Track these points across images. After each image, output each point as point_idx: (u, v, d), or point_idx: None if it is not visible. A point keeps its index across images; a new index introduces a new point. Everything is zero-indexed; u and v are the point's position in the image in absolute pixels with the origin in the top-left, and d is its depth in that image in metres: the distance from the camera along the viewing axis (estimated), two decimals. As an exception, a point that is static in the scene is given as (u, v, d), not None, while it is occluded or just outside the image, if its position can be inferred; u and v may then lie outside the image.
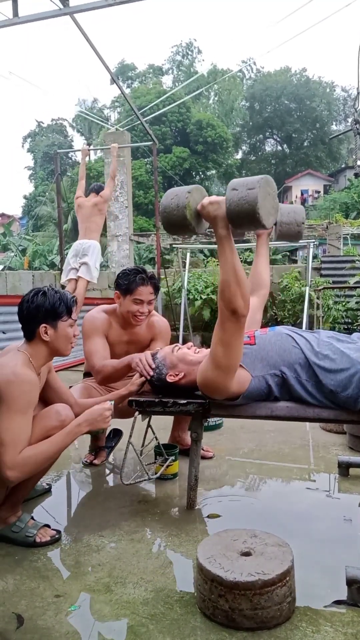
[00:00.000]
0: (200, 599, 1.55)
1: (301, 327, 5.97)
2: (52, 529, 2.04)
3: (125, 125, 10.29)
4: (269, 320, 6.70)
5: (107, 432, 2.93)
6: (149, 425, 2.39)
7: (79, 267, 5.48)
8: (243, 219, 1.73)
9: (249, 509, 2.25)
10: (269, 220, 1.76)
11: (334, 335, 2.07)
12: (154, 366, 2.20)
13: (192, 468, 2.23)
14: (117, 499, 2.38)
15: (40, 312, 1.98)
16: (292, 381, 1.96)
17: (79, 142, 39.09)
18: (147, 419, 2.33)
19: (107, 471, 2.79)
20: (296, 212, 2.54)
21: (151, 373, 2.19)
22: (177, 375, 2.18)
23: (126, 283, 2.58)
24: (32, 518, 2.06)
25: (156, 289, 2.62)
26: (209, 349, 2.23)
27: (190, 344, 2.26)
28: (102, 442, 2.87)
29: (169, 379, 2.18)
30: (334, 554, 1.87)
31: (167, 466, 2.53)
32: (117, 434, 3.02)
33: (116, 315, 2.68)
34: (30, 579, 1.76)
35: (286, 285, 6.65)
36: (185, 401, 2.14)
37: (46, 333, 1.98)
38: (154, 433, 2.48)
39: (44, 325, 1.98)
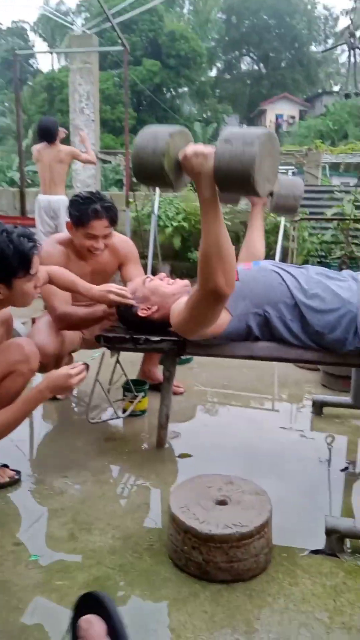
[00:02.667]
0: (172, 549, 1.46)
1: (274, 260, 5.81)
2: (11, 470, 1.90)
3: (92, 29, 9.38)
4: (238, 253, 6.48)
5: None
6: (117, 362, 2.22)
7: (55, 228, 5.11)
8: (233, 181, 1.41)
9: (221, 449, 2.16)
10: (265, 187, 1.43)
11: (323, 271, 1.90)
12: (130, 295, 2.00)
13: (164, 407, 2.10)
14: (83, 436, 2.25)
15: None
16: (275, 321, 1.80)
17: (41, 47, 36.14)
18: (116, 355, 2.16)
19: (72, 406, 2.65)
20: (295, 185, 2.38)
21: (131, 302, 2.02)
22: (149, 309, 1.99)
23: (77, 215, 2.27)
24: (-10, 458, 1.91)
25: (113, 222, 2.32)
26: (184, 281, 2.04)
27: (163, 274, 2.06)
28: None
29: (141, 314, 1.99)
30: (310, 498, 1.80)
31: (136, 403, 2.39)
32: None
33: (73, 245, 2.40)
34: (-13, 525, 1.63)
35: (260, 214, 6.41)
36: (158, 338, 1.97)
37: None
38: (122, 370, 2.33)
39: None
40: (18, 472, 1.90)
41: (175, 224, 6.47)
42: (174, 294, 1.96)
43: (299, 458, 2.09)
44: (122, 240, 2.54)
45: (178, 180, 1.54)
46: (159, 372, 2.77)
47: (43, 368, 2.31)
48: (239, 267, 1.89)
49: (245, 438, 2.27)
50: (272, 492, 1.58)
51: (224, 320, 1.78)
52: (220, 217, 1.52)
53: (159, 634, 1.21)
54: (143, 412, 2.47)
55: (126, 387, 2.40)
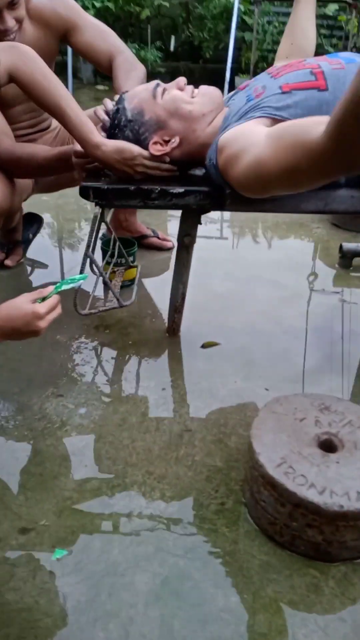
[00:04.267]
0: (264, 518, 1.00)
1: (225, 55, 4.75)
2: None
3: None
4: (181, 45, 5.27)
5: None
6: (102, 222, 1.51)
7: None
8: None
9: (249, 329, 1.66)
10: None
11: None
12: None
13: (179, 284, 1.51)
14: (62, 325, 1.63)
15: None
16: None
17: None
18: (99, 213, 1.42)
19: (31, 278, 1.97)
20: None
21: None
22: (166, 142, 1.25)
23: None
24: None
25: None
26: (211, 88, 1.28)
27: (181, 80, 1.26)
28: (19, 234, 1.96)
29: (154, 151, 1.25)
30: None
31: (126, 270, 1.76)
32: (34, 220, 2.10)
33: None
34: (-33, 499, 1.08)
35: (206, -7, 5.08)
36: (182, 190, 1.27)
37: None
38: (110, 229, 1.63)
39: None
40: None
41: (98, 4, 5.02)
42: (204, 113, 1.22)
43: (354, 334, 1.64)
44: None
45: None
46: (138, 222, 2.10)
47: None
48: (322, 65, 1.15)
49: (273, 309, 1.76)
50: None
51: None
52: None
53: None
54: (132, 281, 1.85)
55: (114, 252, 1.72)
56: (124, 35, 5.33)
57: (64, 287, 1.12)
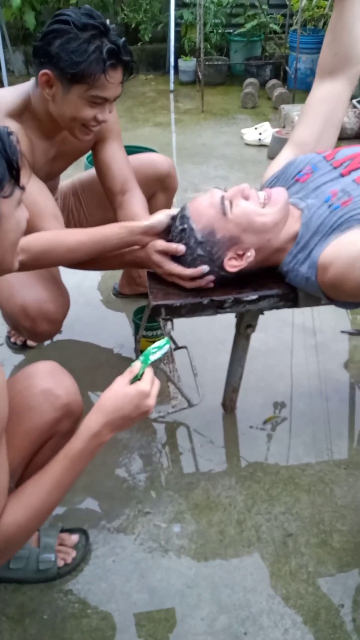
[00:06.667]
0: None
1: (164, 35, 4.53)
2: (73, 531, 1.25)
3: None
4: (116, 28, 4.94)
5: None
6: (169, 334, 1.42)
7: None
8: None
9: (299, 391, 1.67)
10: None
11: None
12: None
13: (238, 367, 1.49)
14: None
15: None
16: None
17: None
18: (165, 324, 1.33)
19: (63, 352, 1.86)
20: None
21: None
22: (241, 256, 1.19)
23: (79, 63, 1.16)
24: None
25: (130, 68, 1.26)
26: (280, 192, 1.22)
27: (245, 187, 1.19)
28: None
29: (230, 268, 1.19)
30: None
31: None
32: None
33: (31, 116, 1.32)
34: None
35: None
36: (255, 297, 1.23)
37: None
38: (175, 345, 1.56)
39: None
40: (83, 533, 1.25)
41: (23, -10, 4.60)
42: (277, 223, 1.17)
43: None
44: None
45: None
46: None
47: (45, 336, 1.56)
48: None
49: (313, 363, 1.78)
50: None
51: None
52: None
53: None
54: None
55: (152, 326, 1.65)
56: (53, 21, 4.96)
57: (152, 359, 1.04)
